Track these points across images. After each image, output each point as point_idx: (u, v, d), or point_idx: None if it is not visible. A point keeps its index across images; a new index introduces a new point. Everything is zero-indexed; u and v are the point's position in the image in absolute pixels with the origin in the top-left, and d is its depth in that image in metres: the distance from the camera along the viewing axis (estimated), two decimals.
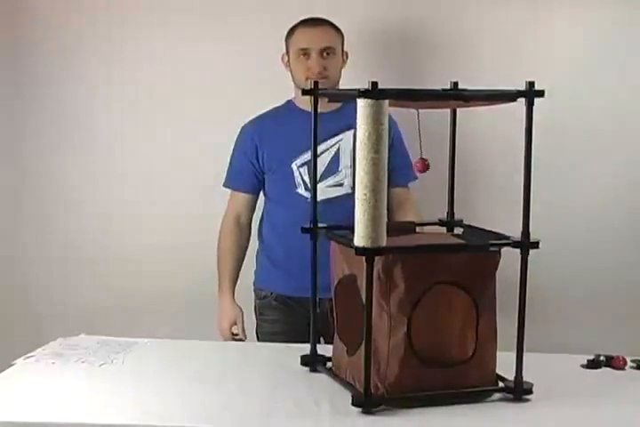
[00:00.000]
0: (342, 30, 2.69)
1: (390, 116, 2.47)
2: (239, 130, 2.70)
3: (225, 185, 2.72)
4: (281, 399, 1.97)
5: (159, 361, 2.27)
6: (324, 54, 2.58)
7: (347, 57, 2.70)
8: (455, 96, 2.00)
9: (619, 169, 3.00)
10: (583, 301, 3.03)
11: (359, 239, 1.82)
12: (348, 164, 2.57)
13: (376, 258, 1.82)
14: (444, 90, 2.01)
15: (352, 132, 2.54)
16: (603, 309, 3.02)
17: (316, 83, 2.13)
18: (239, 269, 2.73)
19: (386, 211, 1.84)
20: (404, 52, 2.98)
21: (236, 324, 2.68)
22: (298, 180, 2.59)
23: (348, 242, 1.86)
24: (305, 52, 2.59)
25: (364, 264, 1.81)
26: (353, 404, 1.88)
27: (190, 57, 3.02)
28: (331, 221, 2.11)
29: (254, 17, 2.96)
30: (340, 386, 2.01)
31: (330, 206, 2.44)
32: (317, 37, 2.59)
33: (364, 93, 1.81)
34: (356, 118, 2.32)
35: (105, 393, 2.01)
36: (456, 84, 2.10)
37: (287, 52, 2.68)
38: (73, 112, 3.13)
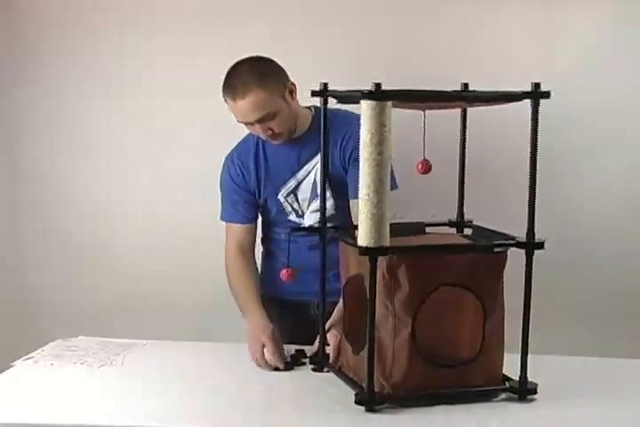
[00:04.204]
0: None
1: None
2: (224, 163, 2.57)
3: (222, 219, 2.58)
4: (282, 399, 1.98)
5: (158, 362, 2.27)
6: (265, 119, 2.35)
7: (294, 87, 2.41)
8: (459, 97, 2.00)
9: (622, 168, 2.99)
10: (587, 301, 3.03)
11: (362, 239, 1.84)
12: (328, 184, 2.53)
13: (380, 258, 1.83)
14: (447, 91, 2.00)
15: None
16: (607, 310, 3.02)
17: (325, 84, 2.13)
18: (259, 290, 2.54)
19: (388, 211, 1.84)
20: (408, 52, 2.97)
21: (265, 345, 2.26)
22: (288, 209, 2.54)
23: (354, 242, 1.86)
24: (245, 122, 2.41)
25: (368, 264, 1.81)
26: (356, 402, 1.89)
27: (190, 57, 3.00)
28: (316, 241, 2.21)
29: (255, 16, 2.95)
30: (347, 385, 2.02)
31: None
32: (248, 112, 2.33)
33: (367, 95, 1.80)
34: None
35: (104, 395, 2.02)
36: (466, 85, 2.10)
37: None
38: (71, 112, 3.12)
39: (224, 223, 2.58)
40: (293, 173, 2.51)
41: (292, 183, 2.51)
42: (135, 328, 2.69)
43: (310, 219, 2.51)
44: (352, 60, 2.93)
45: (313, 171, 2.49)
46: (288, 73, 2.41)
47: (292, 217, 2.55)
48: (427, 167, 2.10)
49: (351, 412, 1.87)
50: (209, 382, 2.10)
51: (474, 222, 2.22)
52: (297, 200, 2.53)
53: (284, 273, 2.21)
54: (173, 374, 2.15)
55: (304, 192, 2.52)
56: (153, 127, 3.10)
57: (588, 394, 2.00)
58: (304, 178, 2.51)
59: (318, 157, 2.38)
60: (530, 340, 1.94)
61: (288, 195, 2.52)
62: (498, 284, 1.95)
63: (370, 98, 1.80)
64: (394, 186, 2.47)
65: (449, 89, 2.03)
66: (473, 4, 2.95)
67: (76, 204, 3.16)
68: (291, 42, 2.91)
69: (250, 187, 2.54)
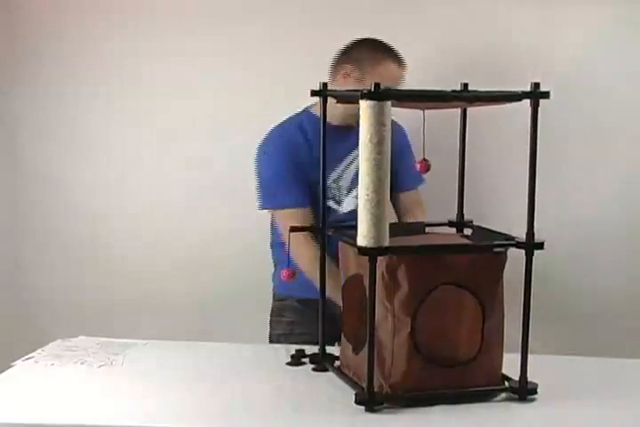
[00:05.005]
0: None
1: (399, 125, 2.58)
2: (269, 138, 2.57)
3: (280, 206, 2.57)
4: (283, 399, 1.97)
5: (159, 362, 2.26)
6: None
7: None
8: (458, 97, 1.99)
9: (622, 168, 3.00)
10: (587, 302, 3.03)
11: (362, 239, 1.83)
12: None
13: (380, 258, 1.83)
14: (447, 91, 2.00)
15: None
16: (606, 310, 3.02)
17: (324, 83, 2.13)
18: None
19: (388, 211, 1.84)
20: (407, 52, 2.96)
21: None
22: (329, 195, 2.58)
23: (353, 242, 1.86)
24: None
25: (367, 264, 1.81)
26: (356, 402, 1.88)
27: (192, 57, 3.01)
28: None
29: (255, 16, 2.96)
30: (347, 385, 2.01)
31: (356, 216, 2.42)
32: (400, 78, 2.43)
33: (366, 95, 1.80)
34: None
35: (104, 394, 2.01)
36: (466, 85, 2.10)
37: (361, 73, 2.51)
38: (71, 112, 3.13)
39: (267, 214, 2.60)
40: (341, 160, 2.59)
41: (339, 169, 2.59)
42: (135, 328, 2.70)
43: (349, 204, 2.57)
44: None
45: (356, 160, 2.51)
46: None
47: (331, 203, 2.58)
48: (426, 167, 2.11)
49: (351, 412, 1.86)
50: (209, 382, 2.09)
51: (474, 222, 2.22)
52: (338, 187, 2.58)
53: (284, 274, 2.18)
54: (173, 374, 2.14)
55: (346, 180, 2.60)
56: (153, 127, 3.10)
57: (587, 394, 1.99)
58: (350, 163, 2.60)
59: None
60: (529, 340, 1.94)
61: (334, 181, 2.58)
62: (497, 284, 1.95)
63: (369, 97, 1.79)
64: (421, 181, 2.67)
65: (448, 89, 2.03)
66: (472, 4, 2.96)
67: (76, 204, 3.17)
68: (291, 42, 2.91)
69: (304, 168, 2.54)
